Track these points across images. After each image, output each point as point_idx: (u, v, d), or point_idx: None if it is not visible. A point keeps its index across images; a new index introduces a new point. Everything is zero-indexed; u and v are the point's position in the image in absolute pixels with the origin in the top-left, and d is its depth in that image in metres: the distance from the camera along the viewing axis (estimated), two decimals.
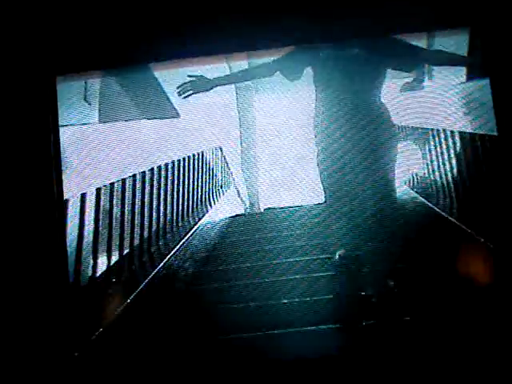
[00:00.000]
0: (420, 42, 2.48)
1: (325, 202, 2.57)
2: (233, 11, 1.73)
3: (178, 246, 2.96)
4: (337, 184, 2.41)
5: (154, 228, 2.78)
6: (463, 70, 2.53)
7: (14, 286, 1.62)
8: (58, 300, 1.63)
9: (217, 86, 2.51)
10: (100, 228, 2.15)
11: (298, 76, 2.50)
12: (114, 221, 2.31)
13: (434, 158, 3.19)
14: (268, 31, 1.74)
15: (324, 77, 2.43)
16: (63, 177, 1.69)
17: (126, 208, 2.45)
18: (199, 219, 3.58)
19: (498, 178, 1.86)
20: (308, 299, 2.58)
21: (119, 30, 1.74)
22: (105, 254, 2.22)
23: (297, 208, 4.26)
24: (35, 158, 1.64)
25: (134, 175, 2.55)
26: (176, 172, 3.28)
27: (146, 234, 2.67)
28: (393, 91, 2.76)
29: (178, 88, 2.50)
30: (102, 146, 2.26)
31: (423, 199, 3.39)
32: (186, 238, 3.14)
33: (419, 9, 1.65)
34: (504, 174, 1.64)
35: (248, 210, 5.35)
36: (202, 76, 2.47)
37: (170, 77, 3.29)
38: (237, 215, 4.67)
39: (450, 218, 2.83)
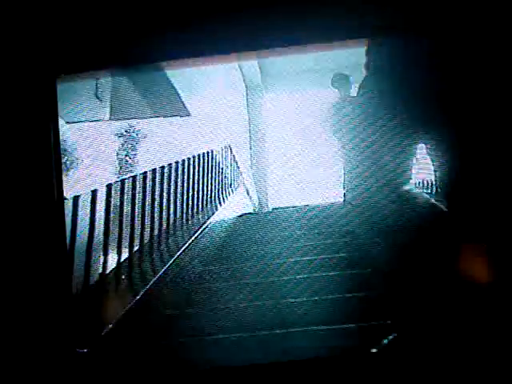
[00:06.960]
0: None
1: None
2: (241, 9, 1.72)
3: (187, 244, 2.96)
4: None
5: (163, 226, 2.79)
6: None
7: (14, 286, 1.61)
8: (59, 298, 1.63)
9: None
10: (110, 225, 2.16)
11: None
12: (124, 218, 2.31)
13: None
14: (276, 29, 1.72)
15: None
16: (71, 172, 1.69)
17: (137, 205, 2.45)
18: (208, 218, 3.58)
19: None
20: (317, 298, 2.58)
21: (121, 30, 1.73)
22: (115, 251, 2.22)
23: (306, 207, 4.25)
24: (35, 159, 1.64)
25: (145, 173, 2.56)
26: (186, 170, 3.28)
27: (155, 231, 2.68)
28: None
29: None
30: (112, 144, 2.27)
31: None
32: (195, 236, 3.14)
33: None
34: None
35: (257, 209, 5.35)
36: None
37: (181, 76, 3.30)
38: (245, 214, 4.67)
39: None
